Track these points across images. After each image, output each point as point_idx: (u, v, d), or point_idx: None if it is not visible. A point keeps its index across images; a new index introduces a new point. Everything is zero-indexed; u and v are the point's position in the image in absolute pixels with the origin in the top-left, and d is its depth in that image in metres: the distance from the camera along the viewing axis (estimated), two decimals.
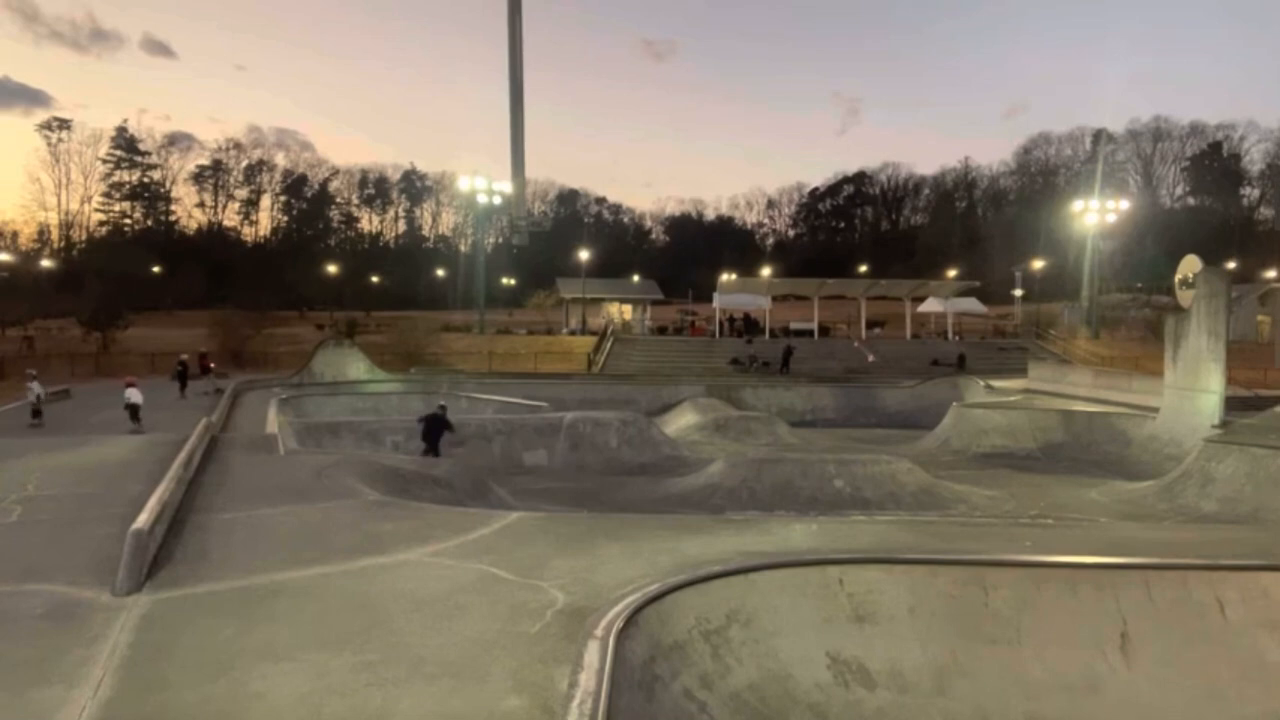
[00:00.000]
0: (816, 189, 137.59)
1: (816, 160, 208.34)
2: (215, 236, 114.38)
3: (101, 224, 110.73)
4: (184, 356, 27.63)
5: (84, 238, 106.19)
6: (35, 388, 20.13)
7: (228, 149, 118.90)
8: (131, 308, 52.20)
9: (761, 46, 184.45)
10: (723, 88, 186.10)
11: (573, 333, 55.54)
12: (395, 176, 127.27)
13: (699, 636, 5.32)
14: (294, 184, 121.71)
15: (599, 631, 4.70)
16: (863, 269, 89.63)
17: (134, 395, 19.17)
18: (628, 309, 61.55)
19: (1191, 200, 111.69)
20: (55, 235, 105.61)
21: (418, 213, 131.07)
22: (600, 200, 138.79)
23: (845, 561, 6.41)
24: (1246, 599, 6.21)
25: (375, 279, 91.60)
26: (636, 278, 74.44)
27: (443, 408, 17.88)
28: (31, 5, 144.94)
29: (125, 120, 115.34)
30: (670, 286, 73.15)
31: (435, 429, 17.07)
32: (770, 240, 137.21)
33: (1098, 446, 20.20)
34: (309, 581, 6.15)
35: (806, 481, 14.65)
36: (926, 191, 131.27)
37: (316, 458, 12.47)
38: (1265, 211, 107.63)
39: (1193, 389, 18.40)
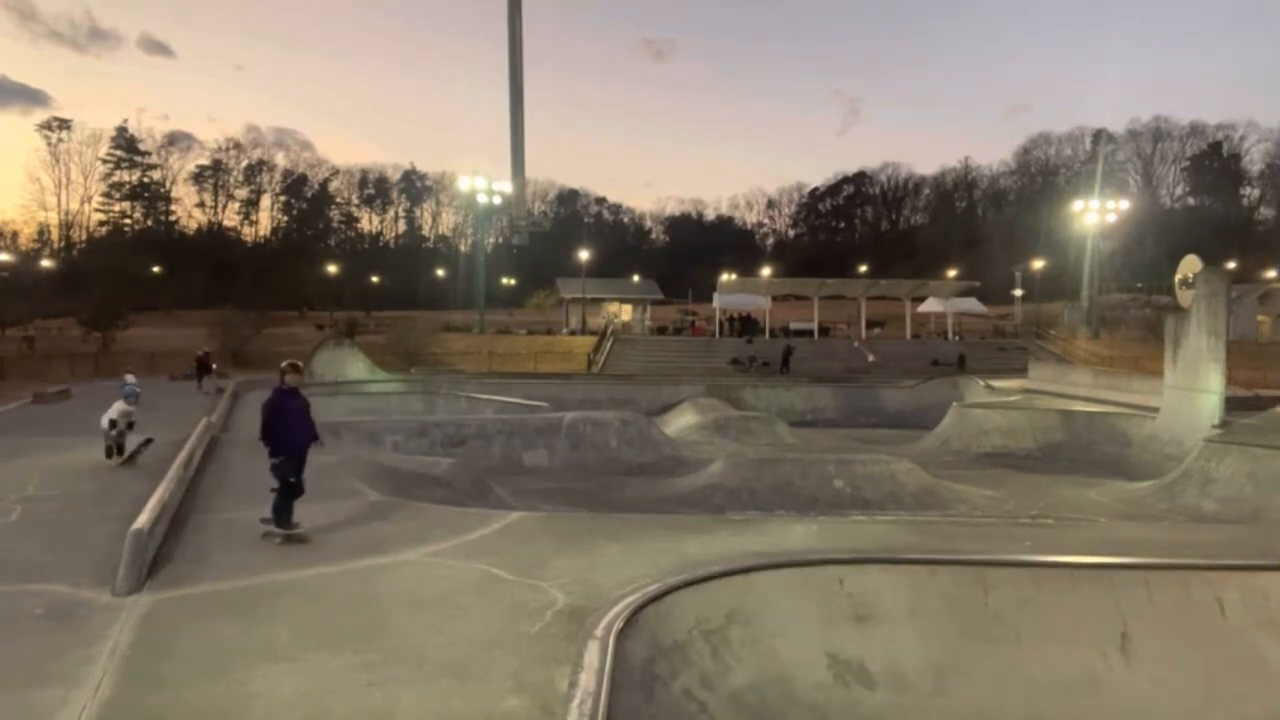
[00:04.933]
0: (816, 189, 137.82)
1: (816, 160, 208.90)
2: (215, 236, 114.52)
3: (101, 224, 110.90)
4: (199, 353, 29.86)
5: (84, 238, 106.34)
6: None
7: (227, 149, 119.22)
8: (131, 308, 52.21)
9: (762, 46, 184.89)
10: (723, 87, 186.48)
11: (573, 333, 55.54)
12: (395, 176, 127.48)
13: (699, 636, 5.32)
14: (294, 184, 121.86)
15: (599, 631, 4.70)
16: (863, 269, 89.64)
17: (130, 379, 21.19)
18: (627, 309, 61.54)
19: (1191, 200, 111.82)
20: (55, 235, 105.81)
21: (418, 213, 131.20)
22: (600, 200, 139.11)
23: (845, 561, 6.41)
24: (1246, 599, 6.20)
25: (375, 279, 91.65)
26: (636, 278, 74.53)
27: (295, 367, 7.80)
28: (29, 4, 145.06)
29: (125, 120, 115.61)
30: (670, 286, 73.17)
31: (292, 419, 7.58)
32: (770, 240, 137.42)
33: (1098, 446, 20.17)
34: (309, 581, 6.16)
35: (806, 481, 14.62)
36: (926, 191, 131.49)
37: (316, 457, 12.43)
38: (1265, 211, 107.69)
39: (1193, 389, 18.38)
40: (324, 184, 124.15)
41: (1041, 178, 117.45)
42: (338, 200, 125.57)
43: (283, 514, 7.33)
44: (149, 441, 12.29)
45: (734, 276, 62.27)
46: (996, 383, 31.11)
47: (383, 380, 32.82)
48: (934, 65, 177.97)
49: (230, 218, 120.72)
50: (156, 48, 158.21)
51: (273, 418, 7.43)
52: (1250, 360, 33.81)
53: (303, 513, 7.56)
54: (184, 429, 13.41)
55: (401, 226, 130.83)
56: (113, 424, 11.92)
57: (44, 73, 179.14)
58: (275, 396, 7.53)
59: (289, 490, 7.39)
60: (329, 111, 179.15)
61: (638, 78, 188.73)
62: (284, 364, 7.74)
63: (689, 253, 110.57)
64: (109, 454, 11.89)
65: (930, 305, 53.58)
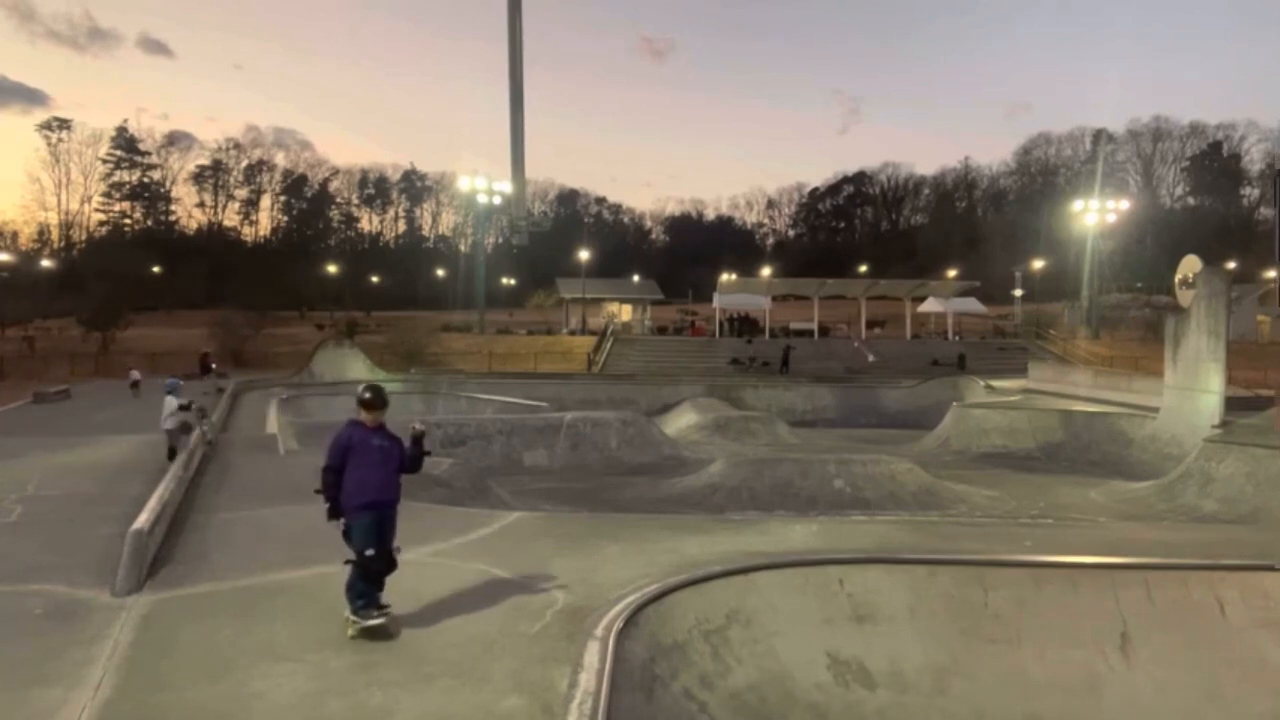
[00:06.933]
0: (816, 189, 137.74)
1: (816, 160, 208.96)
2: (215, 236, 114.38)
3: (101, 224, 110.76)
4: (202, 352, 32.10)
5: (84, 238, 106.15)
6: None
7: (227, 149, 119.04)
8: (131, 308, 52.19)
9: (761, 46, 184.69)
10: (723, 87, 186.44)
11: (573, 333, 55.54)
12: (395, 176, 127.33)
13: (699, 636, 5.32)
14: (294, 184, 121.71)
15: (599, 631, 4.70)
16: (863, 269, 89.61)
17: (135, 375, 26.57)
18: (627, 309, 61.53)
19: (1191, 200, 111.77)
20: (55, 235, 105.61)
21: (418, 213, 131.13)
22: (600, 200, 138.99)
23: (845, 561, 6.41)
24: (1246, 599, 6.20)
25: (375, 279, 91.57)
26: (636, 278, 74.42)
27: (373, 398, 5.41)
28: (28, 4, 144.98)
29: (125, 120, 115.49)
30: (670, 286, 73.13)
31: (371, 460, 5.29)
32: (770, 240, 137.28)
33: (1098, 446, 20.18)
34: (309, 581, 6.15)
35: (806, 481, 14.63)
36: (926, 191, 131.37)
37: (317, 458, 12.41)
38: (1265, 211, 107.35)
39: (1193, 389, 18.38)
40: (324, 184, 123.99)
41: (1041, 178, 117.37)
42: (338, 200, 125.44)
43: (357, 595, 5.07)
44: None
45: (734, 277, 62.23)
46: (996, 383, 31.13)
47: (383, 380, 32.82)
48: (934, 65, 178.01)
49: (230, 218, 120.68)
50: (155, 47, 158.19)
51: (340, 460, 5.22)
52: (1250, 360, 33.80)
53: (300, 513, 7.47)
54: None
55: (401, 226, 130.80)
56: (184, 408, 12.09)
57: (43, 72, 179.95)
58: (348, 430, 5.34)
59: (365, 566, 5.08)
60: (329, 111, 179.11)
61: (637, 77, 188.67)
62: (361, 390, 5.53)
63: (689, 253, 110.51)
64: (171, 455, 11.74)
65: (930, 305, 53.59)
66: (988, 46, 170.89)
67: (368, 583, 5.07)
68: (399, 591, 5.90)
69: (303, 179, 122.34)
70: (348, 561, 5.12)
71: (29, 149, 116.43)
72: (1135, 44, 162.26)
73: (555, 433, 19.43)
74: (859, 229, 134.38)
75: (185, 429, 12.14)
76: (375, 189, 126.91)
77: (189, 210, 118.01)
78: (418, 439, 5.50)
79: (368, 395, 5.39)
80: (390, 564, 5.21)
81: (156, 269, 77.61)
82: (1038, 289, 73.01)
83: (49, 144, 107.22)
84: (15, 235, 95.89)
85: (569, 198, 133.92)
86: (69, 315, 50.60)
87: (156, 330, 53.70)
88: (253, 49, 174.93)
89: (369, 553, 5.06)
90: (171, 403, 12.20)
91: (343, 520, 5.14)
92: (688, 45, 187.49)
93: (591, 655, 4.33)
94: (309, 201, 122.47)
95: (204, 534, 7.71)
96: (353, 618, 5.05)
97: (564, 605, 5.55)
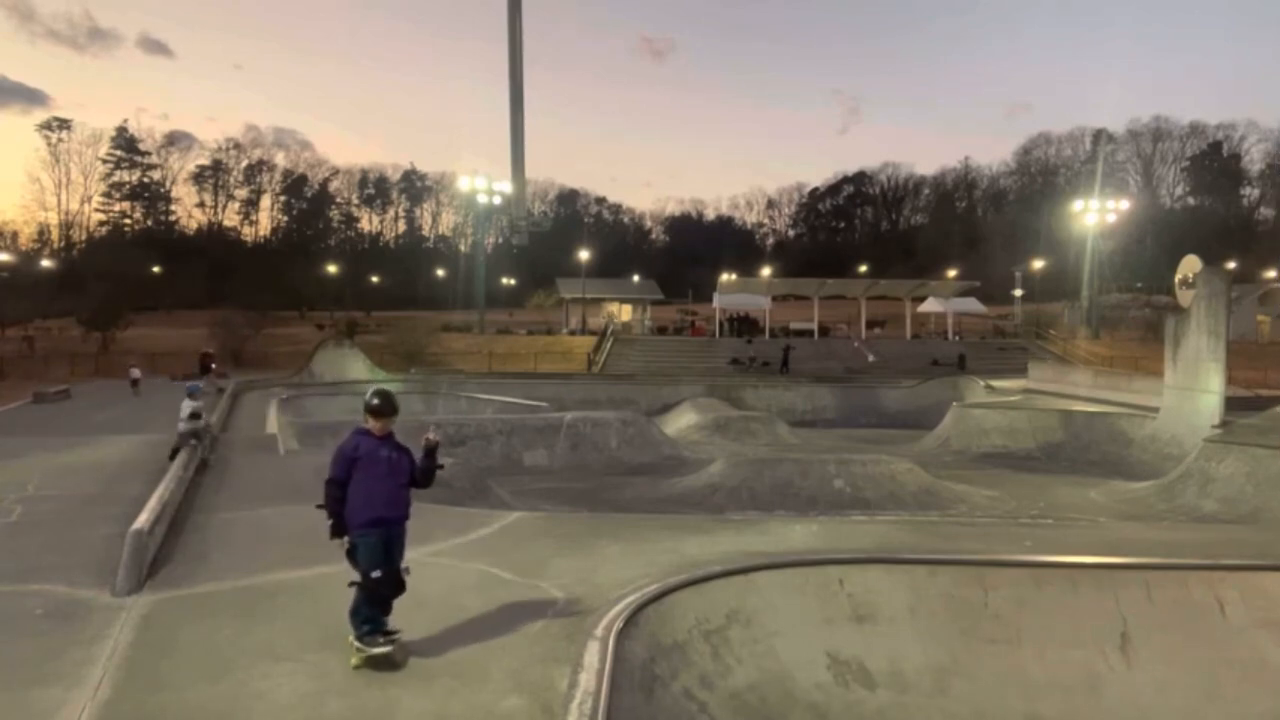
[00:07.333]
0: (816, 189, 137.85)
1: (816, 160, 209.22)
2: (215, 236, 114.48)
3: (101, 224, 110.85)
4: (203, 352, 32.44)
5: (84, 238, 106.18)
6: None
7: (227, 149, 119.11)
8: (131, 308, 52.22)
9: (762, 46, 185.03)
10: (723, 87, 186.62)
11: (573, 333, 55.54)
12: (395, 176, 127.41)
13: (699, 636, 5.32)
14: (294, 184, 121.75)
15: (599, 631, 4.71)
16: (863, 269, 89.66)
17: (135, 373, 27.75)
18: (627, 309, 61.53)
19: (1191, 200, 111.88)
20: (55, 235, 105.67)
21: (418, 213, 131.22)
22: (600, 200, 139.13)
23: (845, 561, 6.41)
24: (1246, 599, 6.20)
25: (375, 279, 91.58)
26: (636, 278, 74.43)
27: (382, 404, 4.99)
28: (28, 3, 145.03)
29: (125, 120, 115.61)
30: (670, 286, 73.14)
31: (375, 473, 4.88)
32: (770, 240, 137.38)
33: (1098, 446, 20.18)
34: (309, 581, 6.15)
35: (806, 481, 14.62)
36: (926, 191, 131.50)
37: (317, 458, 12.43)
38: (1265, 211, 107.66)
39: (1193, 389, 18.38)
40: (324, 184, 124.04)
41: (1041, 178, 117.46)
42: (338, 200, 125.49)
43: (363, 621, 4.66)
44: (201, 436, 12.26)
45: (734, 277, 62.21)
46: (996, 383, 31.13)
47: (383, 380, 32.83)
48: (934, 65, 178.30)
49: (230, 218, 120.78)
50: (155, 47, 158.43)
51: (345, 472, 4.78)
52: (1250, 360, 33.83)
53: (300, 513, 7.42)
54: None
55: (401, 226, 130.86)
56: (194, 416, 11.94)
57: (43, 72, 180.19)
58: (354, 439, 4.91)
59: (371, 589, 4.68)
60: (329, 111, 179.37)
61: (637, 77, 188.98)
62: (369, 396, 5.07)
63: (689, 253, 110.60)
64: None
65: (930, 305, 53.61)
66: (988, 46, 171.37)
67: (373, 606, 4.68)
68: None
69: (303, 179, 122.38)
70: (352, 584, 4.70)
71: (29, 149, 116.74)
72: (1135, 44, 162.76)
73: (555, 433, 19.43)
74: (859, 229, 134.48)
75: (196, 435, 12.10)
76: (375, 189, 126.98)
77: (189, 210, 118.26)
78: (431, 451, 5.13)
79: (376, 401, 4.93)
80: (398, 586, 4.79)
81: (156, 269, 77.60)
82: (1038, 289, 73.06)
83: (49, 144, 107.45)
84: (15, 235, 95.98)
85: (569, 198, 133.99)
86: (69, 315, 50.64)
87: (156, 330, 53.71)
88: (253, 49, 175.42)
89: (375, 574, 4.64)
90: (187, 406, 12.15)
91: (347, 538, 4.70)
92: (688, 45, 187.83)
93: (591, 655, 4.34)
94: (309, 201, 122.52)
95: (204, 534, 7.70)
96: (357, 645, 4.61)
97: (564, 605, 5.56)
